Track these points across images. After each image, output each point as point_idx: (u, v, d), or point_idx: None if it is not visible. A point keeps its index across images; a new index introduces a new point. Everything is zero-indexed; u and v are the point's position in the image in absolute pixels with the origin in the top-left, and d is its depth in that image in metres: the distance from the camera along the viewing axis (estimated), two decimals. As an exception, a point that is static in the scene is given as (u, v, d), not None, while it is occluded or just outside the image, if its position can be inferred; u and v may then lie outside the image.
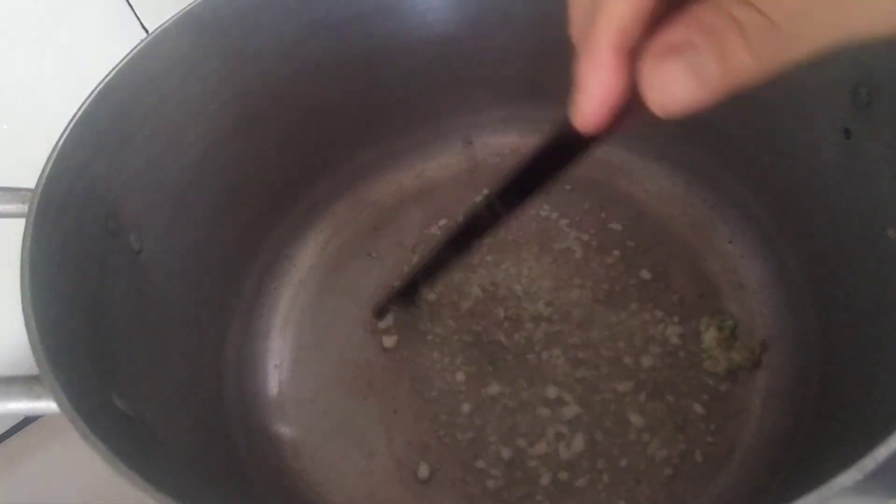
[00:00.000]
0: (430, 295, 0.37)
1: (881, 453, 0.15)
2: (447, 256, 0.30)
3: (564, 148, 0.19)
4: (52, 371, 0.20)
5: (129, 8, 0.42)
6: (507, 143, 0.43)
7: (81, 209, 0.27)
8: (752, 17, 0.13)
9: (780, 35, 0.13)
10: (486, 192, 0.23)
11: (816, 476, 0.16)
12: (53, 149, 0.27)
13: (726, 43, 0.13)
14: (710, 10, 0.13)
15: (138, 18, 0.43)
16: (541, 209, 0.40)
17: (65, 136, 0.27)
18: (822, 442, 0.26)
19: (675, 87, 0.14)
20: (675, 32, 0.14)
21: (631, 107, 0.15)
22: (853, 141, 0.27)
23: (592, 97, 0.15)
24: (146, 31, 0.41)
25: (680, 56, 0.13)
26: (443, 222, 0.41)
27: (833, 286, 0.29)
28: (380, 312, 0.37)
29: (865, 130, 0.26)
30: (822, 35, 0.13)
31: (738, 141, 0.34)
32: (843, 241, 0.28)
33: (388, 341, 0.36)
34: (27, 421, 0.42)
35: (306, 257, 0.40)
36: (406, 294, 0.35)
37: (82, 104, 0.28)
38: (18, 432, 0.42)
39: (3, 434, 0.42)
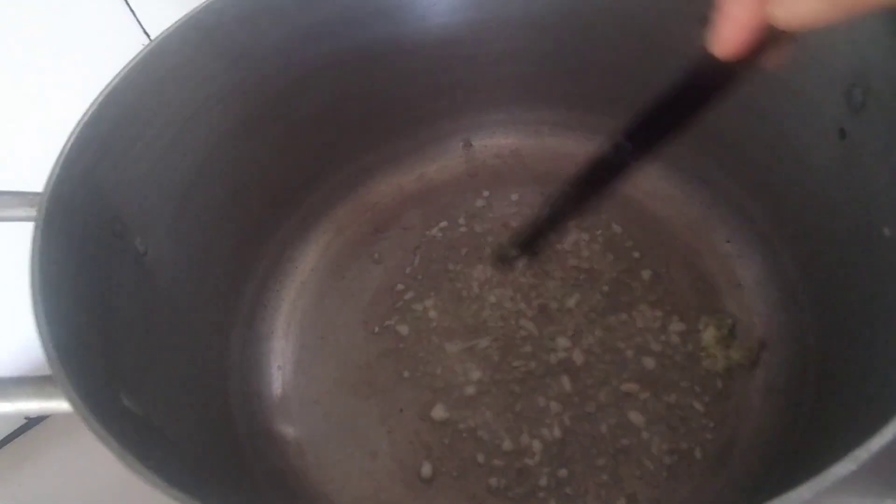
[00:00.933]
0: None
1: (874, 444, 0.15)
2: (571, 205, 0.27)
3: (700, 84, 0.18)
4: (63, 371, 0.21)
5: (131, 15, 0.42)
6: (506, 144, 0.43)
7: (88, 212, 0.27)
8: None
9: None
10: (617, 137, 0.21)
11: (813, 470, 0.16)
12: (60, 153, 0.27)
13: None
14: None
15: (141, 25, 0.43)
16: (537, 209, 0.41)
17: (71, 140, 0.28)
18: (819, 437, 0.26)
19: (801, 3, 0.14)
20: None
21: (767, 34, 0.16)
22: (848, 141, 0.27)
23: (735, 20, 0.16)
24: (149, 37, 0.41)
25: None
26: (442, 224, 0.41)
27: (829, 285, 0.30)
28: (502, 259, 0.34)
29: (860, 131, 0.26)
30: None
31: (735, 142, 0.35)
32: (839, 240, 0.28)
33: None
34: (32, 423, 0.42)
35: (308, 259, 0.41)
36: (530, 241, 0.31)
37: (87, 109, 0.29)
38: (23, 434, 0.42)
39: (8, 436, 0.42)
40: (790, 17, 0.15)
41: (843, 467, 0.15)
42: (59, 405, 0.20)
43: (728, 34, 0.16)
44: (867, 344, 0.25)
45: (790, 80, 0.29)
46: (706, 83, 0.18)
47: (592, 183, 0.25)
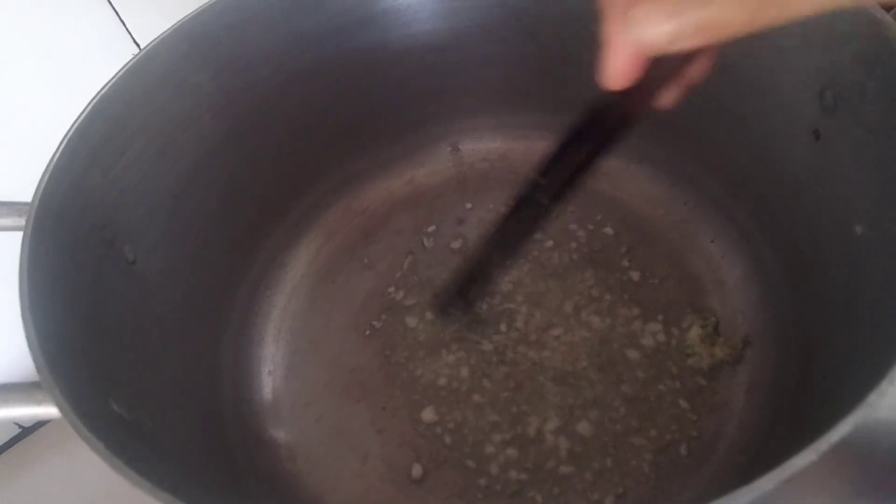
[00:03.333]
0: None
1: (833, 436, 0.16)
2: (496, 253, 0.28)
3: (600, 125, 0.19)
4: (52, 377, 0.21)
5: (121, 24, 0.43)
6: (494, 148, 0.44)
7: (77, 221, 0.28)
8: None
9: None
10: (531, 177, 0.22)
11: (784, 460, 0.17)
12: (49, 163, 0.28)
13: None
14: None
15: (130, 34, 0.43)
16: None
17: (60, 150, 0.28)
18: (801, 432, 0.27)
19: (653, 25, 0.15)
20: None
21: (656, 63, 0.17)
22: (822, 142, 0.28)
23: (618, 52, 0.17)
24: (138, 46, 0.42)
25: None
26: (431, 228, 0.42)
27: (808, 282, 0.30)
28: (442, 312, 0.35)
29: (833, 132, 0.27)
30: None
31: (717, 144, 0.35)
32: (816, 239, 0.29)
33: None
34: (27, 431, 0.42)
35: (299, 265, 0.41)
36: (462, 294, 0.32)
37: (77, 118, 0.29)
38: (19, 443, 0.42)
39: (2, 445, 0.42)
40: (649, 40, 0.15)
41: (803, 458, 0.16)
42: (48, 411, 0.21)
43: (613, 65, 0.17)
44: (844, 339, 0.26)
45: (766, 83, 0.29)
46: (614, 115, 0.19)
47: (512, 231, 0.26)
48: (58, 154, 0.28)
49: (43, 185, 0.27)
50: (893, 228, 0.23)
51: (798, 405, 0.28)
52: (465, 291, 0.32)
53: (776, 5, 0.14)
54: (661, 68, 0.17)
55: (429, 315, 0.38)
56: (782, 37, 0.27)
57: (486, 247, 0.28)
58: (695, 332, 0.34)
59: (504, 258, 0.29)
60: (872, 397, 0.16)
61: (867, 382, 0.17)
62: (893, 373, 0.17)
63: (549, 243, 0.39)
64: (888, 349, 0.18)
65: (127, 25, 0.43)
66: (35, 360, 0.22)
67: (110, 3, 0.43)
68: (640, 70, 0.17)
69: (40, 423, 0.42)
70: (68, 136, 0.28)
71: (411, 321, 0.38)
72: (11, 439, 0.43)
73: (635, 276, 0.37)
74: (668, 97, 0.19)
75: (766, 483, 0.16)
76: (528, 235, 0.26)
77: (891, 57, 0.24)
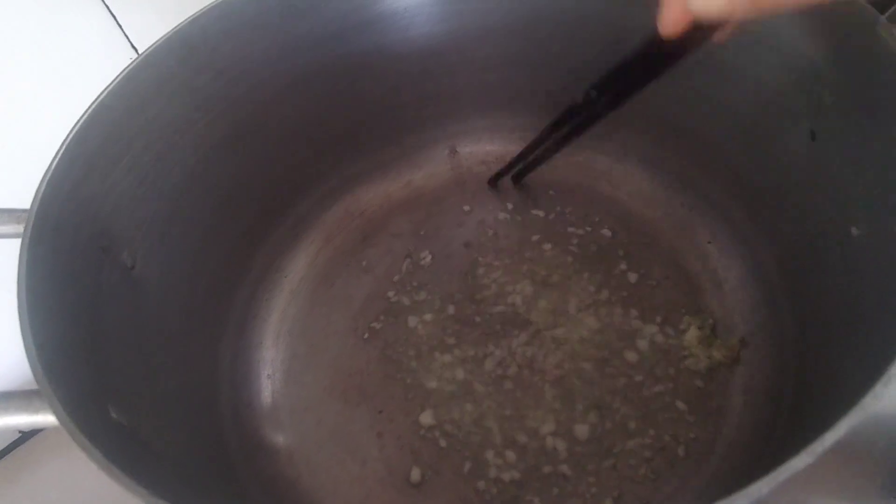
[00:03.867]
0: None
1: (829, 439, 0.16)
2: (545, 145, 0.34)
3: (655, 53, 0.23)
4: (50, 385, 0.21)
5: (118, 28, 0.43)
6: (491, 151, 0.44)
7: (75, 228, 0.28)
8: None
9: None
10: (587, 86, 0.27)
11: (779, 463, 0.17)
12: (47, 170, 0.28)
13: None
14: None
15: (127, 38, 0.44)
16: (529, 212, 0.41)
17: (58, 156, 0.28)
18: (799, 434, 0.27)
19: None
20: None
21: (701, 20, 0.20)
22: (818, 143, 0.28)
23: (670, 8, 0.20)
24: (137, 51, 0.42)
25: None
26: (431, 230, 0.42)
27: (805, 283, 0.30)
28: (494, 181, 0.41)
29: (828, 133, 0.27)
30: None
31: (712, 144, 0.35)
32: (813, 240, 0.29)
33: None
34: (26, 436, 0.42)
35: (297, 268, 0.41)
36: (520, 172, 0.40)
37: (74, 125, 0.29)
38: (16, 449, 0.42)
39: (2, 450, 0.42)
40: (704, 10, 0.19)
41: (800, 460, 0.16)
42: (47, 419, 0.21)
43: (668, 19, 0.21)
44: (842, 340, 0.26)
45: (762, 84, 0.29)
46: (661, 51, 0.23)
47: (568, 127, 0.31)
48: (56, 160, 0.28)
49: (41, 192, 0.27)
50: (890, 229, 0.23)
51: (796, 406, 0.28)
52: (515, 170, 0.39)
53: None
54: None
55: (428, 317, 0.38)
56: (778, 37, 0.27)
57: (540, 135, 0.34)
58: (692, 334, 0.34)
59: (555, 148, 0.34)
60: (868, 399, 0.16)
61: (863, 384, 0.17)
62: (889, 374, 0.17)
63: (548, 245, 0.39)
64: (884, 350, 0.18)
65: (124, 30, 0.43)
66: (33, 368, 0.22)
67: (107, 7, 0.43)
68: (692, 24, 0.20)
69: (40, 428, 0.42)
70: (66, 143, 0.28)
71: (410, 324, 0.38)
72: (11, 444, 0.43)
73: (633, 277, 0.37)
74: (717, 35, 0.22)
75: (763, 486, 0.16)
76: (579, 133, 0.32)
77: (885, 57, 0.24)
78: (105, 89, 0.30)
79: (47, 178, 0.27)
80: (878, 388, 0.17)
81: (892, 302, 0.21)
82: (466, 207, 0.42)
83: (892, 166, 0.24)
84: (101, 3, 0.42)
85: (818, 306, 0.29)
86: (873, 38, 0.24)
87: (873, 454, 0.30)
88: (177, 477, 0.26)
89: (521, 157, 0.38)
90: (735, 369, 0.33)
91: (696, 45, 0.22)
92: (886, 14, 0.29)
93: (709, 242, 0.38)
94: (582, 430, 0.33)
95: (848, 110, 0.26)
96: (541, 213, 0.41)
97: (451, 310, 0.38)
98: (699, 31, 0.21)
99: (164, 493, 0.19)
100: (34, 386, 0.21)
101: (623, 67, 0.25)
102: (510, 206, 0.42)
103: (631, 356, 0.34)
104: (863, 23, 0.24)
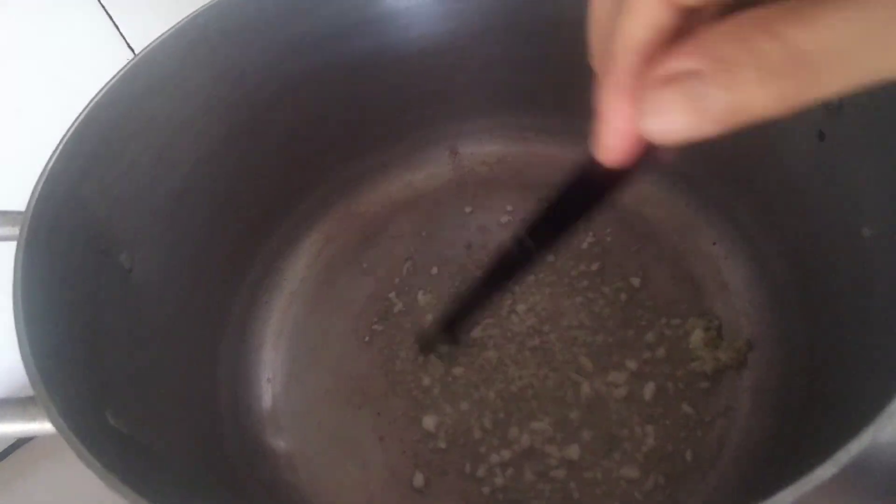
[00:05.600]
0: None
1: (854, 447, 0.15)
2: (481, 296, 0.29)
3: (592, 184, 0.18)
4: (46, 392, 0.21)
5: (115, 29, 0.42)
6: (492, 151, 0.44)
7: (72, 230, 0.27)
8: (775, 51, 0.11)
9: (806, 72, 0.11)
10: (515, 233, 0.23)
11: (801, 471, 0.17)
12: (43, 171, 0.27)
13: (738, 77, 0.12)
14: (726, 39, 0.12)
15: (125, 39, 0.43)
16: (526, 216, 0.41)
17: (54, 157, 0.28)
18: (809, 438, 0.26)
19: (670, 117, 0.13)
20: (680, 59, 0.12)
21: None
22: (827, 143, 0.27)
23: (615, 129, 0.15)
24: (133, 51, 0.41)
25: (680, 84, 0.12)
26: (432, 231, 0.41)
27: (814, 285, 0.30)
28: (424, 348, 0.36)
29: (838, 133, 0.27)
30: (857, 75, 0.12)
31: (717, 144, 0.35)
32: (822, 241, 0.29)
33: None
34: (21, 442, 0.42)
35: (297, 270, 0.41)
36: (447, 331, 0.34)
37: (71, 125, 0.29)
38: (12, 453, 0.42)
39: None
40: (659, 130, 0.13)
41: (824, 470, 0.15)
42: (43, 426, 0.20)
43: (611, 143, 0.15)
44: (853, 343, 0.25)
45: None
46: (596, 183, 0.18)
47: (498, 277, 0.27)
48: (52, 161, 0.27)
49: (37, 194, 0.26)
50: (901, 230, 0.22)
51: (806, 410, 0.27)
52: (450, 327, 0.33)
53: (808, 82, 0.12)
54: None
55: (429, 319, 0.37)
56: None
57: (473, 287, 0.29)
58: (697, 336, 0.34)
59: (490, 297, 0.29)
60: (894, 405, 0.16)
61: (883, 391, 0.17)
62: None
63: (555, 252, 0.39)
64: (900, 356, 0.18)
65: (121, 30, 0.42)
66: (29, 374, 0.21)
67: (104, 7, 0.42)
68: (642, 149, 0.15)
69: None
70: (62, 144, 0.28)
71: (412, 326, 0.37)
72: (8, 448, 0.42)
73: (636, 279, 0.37)
74: (665, 156, 0.16)
75: (787, 496, 0.15)
76: (514, 278, 0.27)
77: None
78: (101, 90, 0.30)
79: (43, 179, 0.27)
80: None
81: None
82: (468, 209, 0.42)
83: (903, 166, 0.23)
84: (98, 3, 0.42)
85: (828, 308, 0.28)
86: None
87: (873, 476, 0.30)
88: (176, 483, 0.25)
89: (452, 314, 0.32)
90: (742, 372, 0.33)
91: (643, 168, 0.16)
92: None
93: (713, 244, 0.37)
94: (586, 435, 0.32)
95: (856, 110, 0.26)
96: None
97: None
98: (650, 154, 0.15)
99: (163, 500, 0.19)
100: (30, 392, 0.21)
101: (556, 206, 0.20)
102: (510, 207, 0.41)
103: (635, 360, 0.34)
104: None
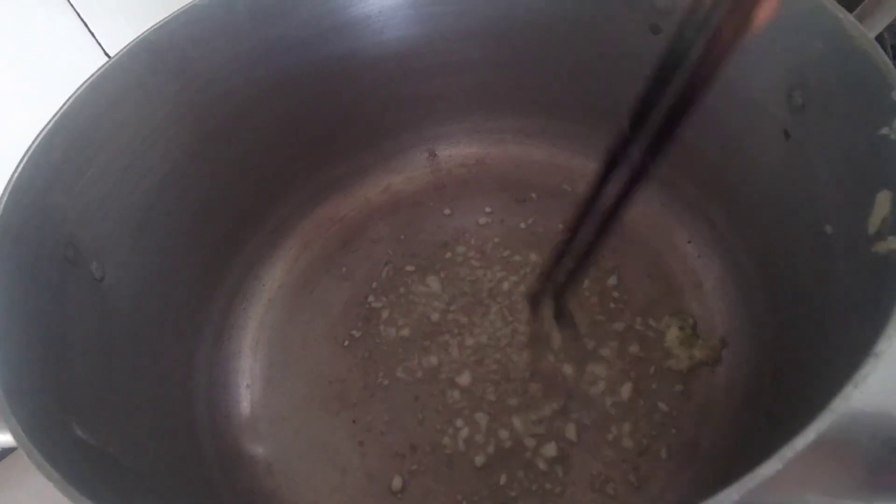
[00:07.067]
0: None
1: (799, 443, 0.16)
2: (587, 239, 0.24)
3: (700, 58, 0.17)
4: (8, 403, 0.20)
5: (89, 35, 0.42)
6: (470, 154, 0.44)
7: (38, 239, 0.27)
8: None
9: None
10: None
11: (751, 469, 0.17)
12: (9, 180, 0.27)
13: None
14: None
15: (100, 45, 0.43)
16: (505, 217, 0.41)
17: (21, 165, 0.27)
18: (779, 433, 0.27)
19: None
20: None
21: None
22: (792, 142, 0.28)
23: None
24: (109, 57, 0.41)
25: None
26: (411, 235, 0.41)
27: (782, 282, 0.30)
28: (534, 301, 0.31)
29: (802, 132, 0.27)
30: None
31: (688, 143, 0.35)
32: (789, 238, 0.29)
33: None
34: (7, 451, 0.41)
35: (275, 276, 0.40)
36: (562, 287, 0.28)
37: (38, 134, 0.28)
38: (1, 462, 0.41)
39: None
40: None
41: (769, 467, 0.15)
42: (5, 439, 0.20)
43: None
44: (818, 338, 0.26)
45: (736, 83, 0.29)
46: (709, 52, 0.17)
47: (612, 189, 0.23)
48: (19, 169, 0.27)
49: (3, 202, 0.26)
50: (861, 227, 0.23)
51: (773, 408, 0.28)
52: (556, 287, 0.28)
53: None
54: None
55: (409, 322, 0.37)
56: (750, 38, 0.27)
57: (575, 233, 0.25)
58: (673, 334, 0.34)
59: (595, 243, 0.24)
60: (836, 402, 0.16)
61: (834, 387, 0.17)
62: (858, 376, 0.17)
63: (530, 252, 0.39)
64: (854, 352, 0.18)
65: (96, 36, 0.42)
66: (-9, 385, 0.21)
67: (77, 13, 0.42)
68: None
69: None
70: (30, 151, 0.28)
71: (390, 330, 0.37)
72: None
73: (612, 278, 0.37)
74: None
75: (733, 493, 0.15)
76: (621, 209, 0.22)
77: (854, 55, 0.24)
78: (69, 98, 0.30)
79: (9, 188, 0.26)
80: (848, 391, 0.16)
81: (862, 302, 0.21)
82: (447, 211, 0.42)
83: (863, 164, 0.24)
84: (71, 8, 0.42)
85: (793, 306, 0.29)
86: (842, 37, 0.24)
87: (855, 449, 0.30)
88: (149, 493, 0.25)
89: (559, 257, 0.26)
90: (716, 369, 0.33)
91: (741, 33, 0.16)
92: (854, 12, 0.29)
93: (688, 242, 0.37)
94: (564, 433, 0.32)
95: (819, 109, 0.26)
96: (519, 217, 0.41)
97: (434, 316, 0.37)
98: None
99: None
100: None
101: (655, 87, 0.18)
102: (488, 209, 0.42)
103: (611, 357, 0.34)
104: (833, 20, 0.24)
